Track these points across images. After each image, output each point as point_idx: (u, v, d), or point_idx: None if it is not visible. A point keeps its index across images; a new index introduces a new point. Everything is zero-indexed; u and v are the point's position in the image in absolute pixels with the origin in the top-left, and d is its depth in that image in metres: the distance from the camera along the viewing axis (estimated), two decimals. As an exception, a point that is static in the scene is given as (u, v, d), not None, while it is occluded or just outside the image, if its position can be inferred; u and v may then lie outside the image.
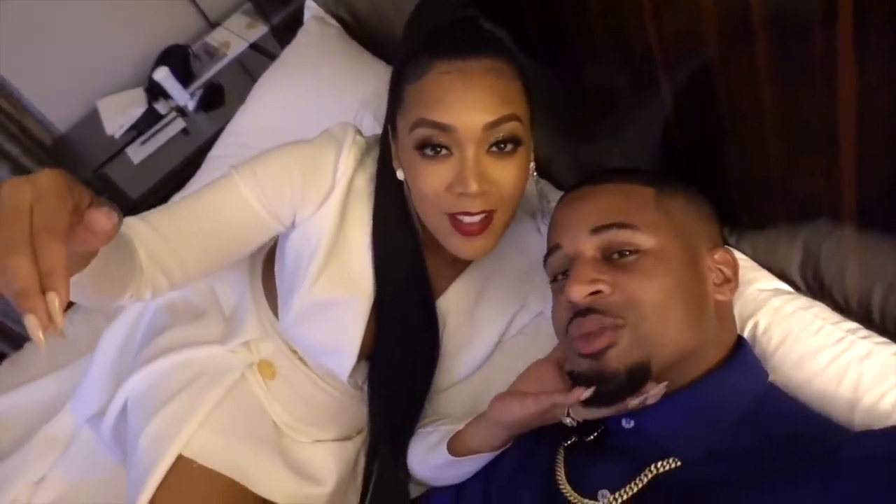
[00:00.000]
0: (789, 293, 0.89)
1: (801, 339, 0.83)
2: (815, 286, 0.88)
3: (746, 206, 0.88)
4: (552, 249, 0.83)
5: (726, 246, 0.86)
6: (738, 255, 0.93)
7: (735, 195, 0.87)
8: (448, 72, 0.83)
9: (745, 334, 0.88)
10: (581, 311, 0.75)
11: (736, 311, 0.88)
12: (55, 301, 0.48)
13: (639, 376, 0.72)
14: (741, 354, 0.78)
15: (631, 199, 0.78)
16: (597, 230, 0.77)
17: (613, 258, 0.76)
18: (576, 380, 0.76)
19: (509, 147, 0.85)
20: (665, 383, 0.72)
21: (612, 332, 0.73)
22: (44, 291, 0.48)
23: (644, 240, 0.75)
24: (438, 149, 0.85)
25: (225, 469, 0.99)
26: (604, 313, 0.73)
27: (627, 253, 0.75)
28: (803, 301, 0.87)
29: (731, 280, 0.78)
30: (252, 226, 0.94)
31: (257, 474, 1.02)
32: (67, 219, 0.52)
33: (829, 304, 0.87)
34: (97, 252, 0.67)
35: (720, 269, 0.78)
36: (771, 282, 0.91)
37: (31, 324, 0.48)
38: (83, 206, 0.55)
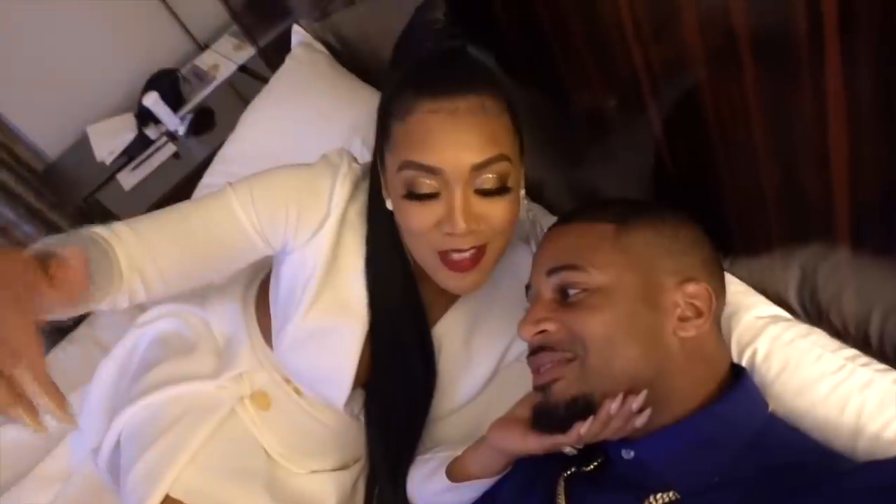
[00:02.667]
0: (787, 320, 0.88)
1: (801, 367, 0.83)
2: (813, 311, 0.88)
3: (740, 230, 0.87)
4: (527, 288, 0.87)
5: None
6: (735, 280, 0.92)
7: (728, 218, 0.86)
8: (434, 111, 0.82)
9: (744, 362, 0.87)
10: (534, 350, 0.80)
11: (734, 339, 0.88)
12: (50, 416, 0.56)
13: (579, 407, 0.75)
14: (742, 385, 0.77)
15: (587, 239, 0.80)
16: (550, 272, 0.80)
17: (566, 297, 0.79)
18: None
19: (498, 189, 0.84)
20: (645, 392, 0.72)
21: (559, 366, 0.77)
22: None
23: (592, 279, 0.76)
24: (426, 196, 0.84)
25: None
26: (553, 349, 0.78)
27: (576, 291, 0.77)
28: (801, 328, 0.86)
29: (702, 314, 0.76)
30: (239, 245, 0.94)
31: None
32: (31, 333, 0.59)
33: (826, 330, 0.87)
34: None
35: (692, 303, 0.76)
36: (768, 308, 0.90)
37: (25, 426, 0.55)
38: (41, 284, 0.61)
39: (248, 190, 0.93)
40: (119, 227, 0.89)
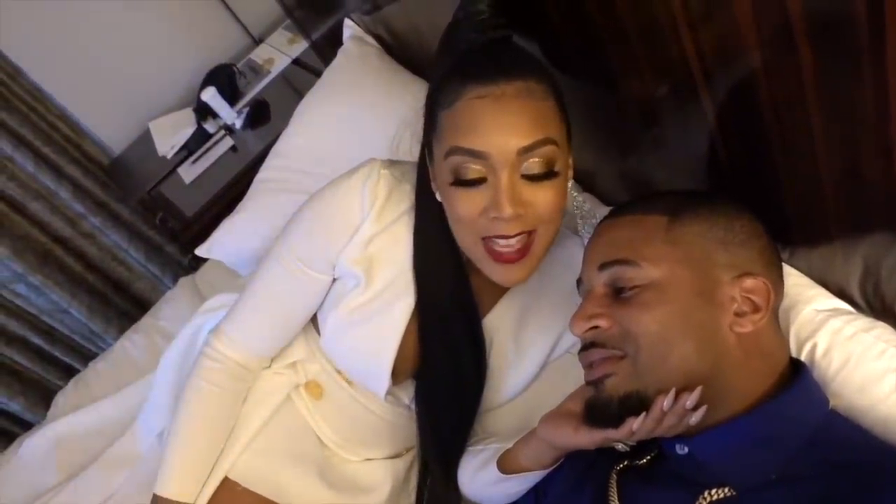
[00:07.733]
0: (849, 313, 0.85)
1: (863, 362, 0.80)
2: (877, 303, 0.84)
3: (799, 221, 0.85)
4: (578, 282, 0.85)
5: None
6: (794, 273, 0.90)
7: (786, 209, 0.84)
8: (480, 97, 0.81)
9: (803, 357, 0.84)
10: (585, 345, 0.79)
11: (792, 333, 0.86)
12: None
13: (632, 403, 0.74)
14: (801, 381, 0.74)
15: (638, 232, 0.78)
16: (602, 267, 0.79)
17: (619, 291, 0.77)
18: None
19: (545, 173, 0.84)
20: (699, 388, 0.70)
21: (611, 362, 0.76)
22: None
23: (645, 274, 0.75)
24: (473, 182, 0.84)
25: (267, 491, 1.02)
26: (604, 346, 0.77)
27: (629, 287, 0.76)
28: (864, 322, 0.83)
29: (760, 309, 0.74)
30: (313, 293, 1.04)
31: (299, 495, 1.04)
32: None
33: (892, 323, 0.83)
34: None
35: (748, 298, 0.74)
36: (829, 301, 0.87)
37: None
38: None
39: (293, 252, 1.01)
40: (224, 348, 1.05)
